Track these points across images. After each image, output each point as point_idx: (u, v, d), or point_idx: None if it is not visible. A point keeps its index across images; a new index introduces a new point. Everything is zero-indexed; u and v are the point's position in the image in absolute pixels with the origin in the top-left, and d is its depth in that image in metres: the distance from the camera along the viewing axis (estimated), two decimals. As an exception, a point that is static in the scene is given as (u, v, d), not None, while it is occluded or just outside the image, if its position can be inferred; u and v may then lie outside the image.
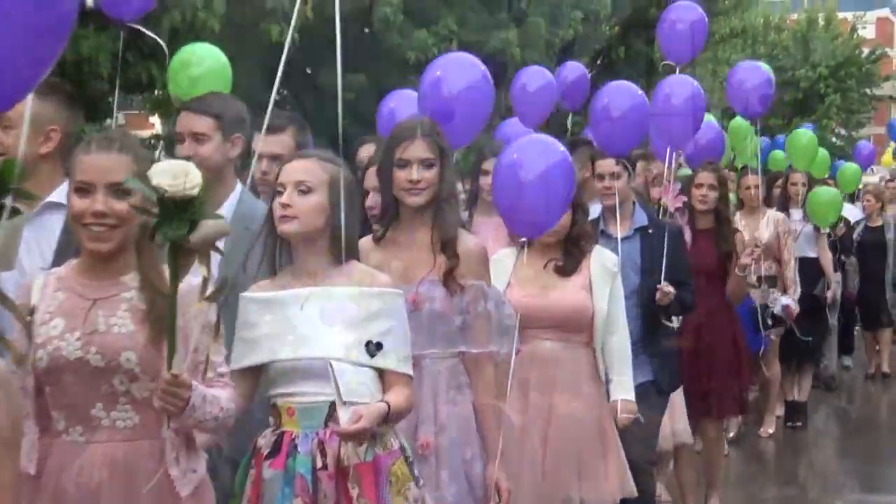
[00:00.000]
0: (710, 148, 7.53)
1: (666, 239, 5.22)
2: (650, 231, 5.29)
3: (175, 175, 2.53)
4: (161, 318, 2.68)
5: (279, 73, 3.74)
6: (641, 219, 5.36)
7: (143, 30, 4.65)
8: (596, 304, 4.37)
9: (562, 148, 4.20)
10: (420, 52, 13.69)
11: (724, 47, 22.69)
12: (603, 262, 4.45)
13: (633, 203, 5.39)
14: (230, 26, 13.77)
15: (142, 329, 2.74)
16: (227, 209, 3.63)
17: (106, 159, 2.77)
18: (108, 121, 12.22)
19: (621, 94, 5.44)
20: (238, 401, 3.06)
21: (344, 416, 2.93)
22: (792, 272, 8.11)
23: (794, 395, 9.33)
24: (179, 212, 2.55)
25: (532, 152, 4.15)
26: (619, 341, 4.43)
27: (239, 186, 3.76)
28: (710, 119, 7.73)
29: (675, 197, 5.97)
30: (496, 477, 3.58)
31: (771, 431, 8.96)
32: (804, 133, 10.70)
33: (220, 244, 2.83)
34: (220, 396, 2.78)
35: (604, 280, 4.41)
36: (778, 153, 11.88)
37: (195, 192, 2.55)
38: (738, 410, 7.02)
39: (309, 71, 14.16)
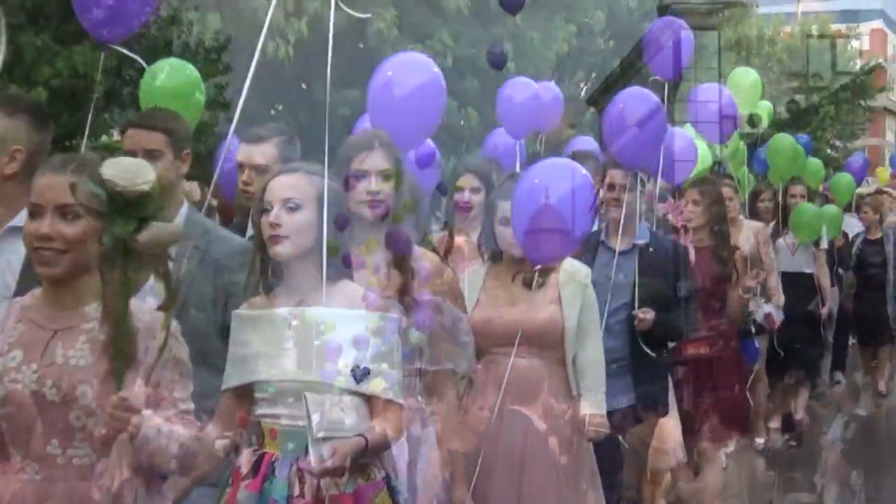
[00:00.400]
0: (682, 157, 7.37)
1: (670, 257, 5.13)
2: (651, 249, 5.15)
3: (126, 169, 2.46)
4: (121, 349, 2.56)
5: (246, 84, 3.68)
6: (644, 235, 5.21)
7: (125, 51, 4.57)
8: (566, 316, 4.20)
9: (584, 171, 4.18)
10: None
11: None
12: (572, 275, 4.29)
13: (639, 218, 5.25)
14: (225, 42, 13.82)
15: (100, 362, 2.59)
16: None
17: (55, 181, 2.61)
18: (105, 137, 12.26)
19: (639, 102, 5.23)
20: (234, 423, 3.01)
21: (314, 454, 2.82)
22: (775, 280, 8.02)
23: (791, 410, 9.28)
24: (128, 208, 2.45)
25: (554, 176, 4.12)
26: (591, 354, 4.26)
27: (186, 204, 3.68)
28: (689, 129, 7.67)
29: (680, 213, 5.93)
30: (464, 500, 3.55)
31: (762, 441, 8.90)
32: (785, 137, 10.26)
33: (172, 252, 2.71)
34: (180, 434, 2.63)
35: (574, 292, 4.24)
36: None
37: (147, 188, 2.45)
38: (741, 428, 6.88)
39: (305, 86, 14.18)
